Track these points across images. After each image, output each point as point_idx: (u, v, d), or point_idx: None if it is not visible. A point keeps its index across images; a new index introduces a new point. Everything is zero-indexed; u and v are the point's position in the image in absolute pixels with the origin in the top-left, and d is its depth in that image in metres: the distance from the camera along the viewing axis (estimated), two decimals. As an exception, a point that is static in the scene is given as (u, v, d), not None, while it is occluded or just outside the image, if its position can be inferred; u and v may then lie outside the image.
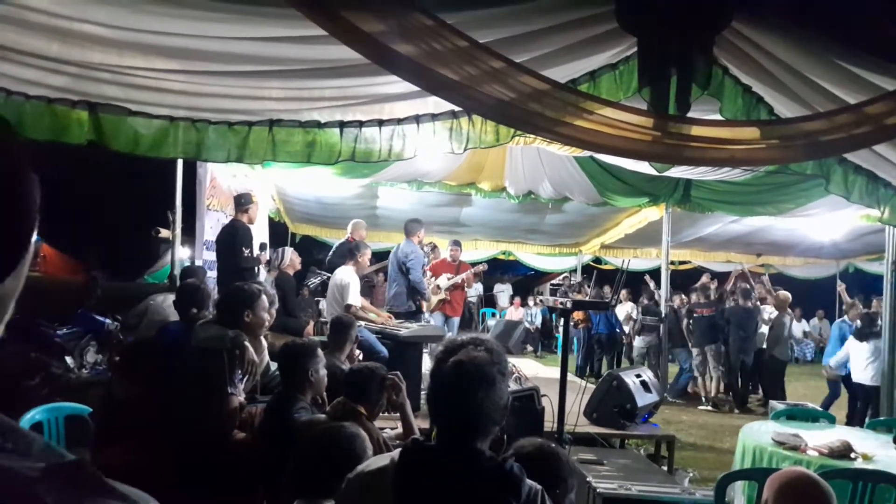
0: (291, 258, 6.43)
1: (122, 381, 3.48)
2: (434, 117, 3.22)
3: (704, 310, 9.48)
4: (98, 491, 0.49)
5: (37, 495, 0.45)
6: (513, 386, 4.02)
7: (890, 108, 2.40)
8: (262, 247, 7.12)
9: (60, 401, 3.65)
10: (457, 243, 8.07)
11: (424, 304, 7.00)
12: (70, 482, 0.47)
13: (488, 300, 16.52)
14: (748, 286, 10.15)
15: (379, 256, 9.13)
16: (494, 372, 1.55)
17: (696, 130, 2.62)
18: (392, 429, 3.23)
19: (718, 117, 3.02)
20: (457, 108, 3.16)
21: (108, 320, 6.50)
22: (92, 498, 0.48)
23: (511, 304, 15.49)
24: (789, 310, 9.73)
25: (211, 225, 6.25)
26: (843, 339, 8.07)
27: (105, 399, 3.57)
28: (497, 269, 17.93)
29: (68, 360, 5.86)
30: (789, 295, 9.61)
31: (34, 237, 0.56)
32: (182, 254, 6.23)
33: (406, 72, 2.32)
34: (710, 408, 8.99)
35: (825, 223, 8.65)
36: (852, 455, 3.96)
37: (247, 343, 3.08)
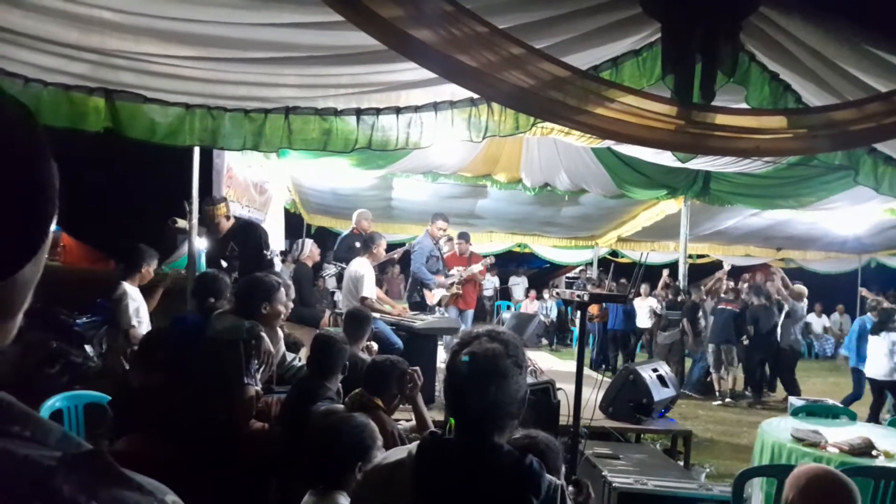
0: (311, 250, 6.43)
1: (139, 371, 3.50)
2: (452, 105, 3.17)
3: (728, 304, 9.36)
4: (114, 481, 0.49)
5: (54, 484, 0.45)
6: (528, 379, 3.99)
7: (924, 96, 2.32)
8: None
9: (80, 389, 3.68)
10: (464, 235, 7.98)
11: (429, 296, 6.94)
12: (86, 471, 0.48)
13: (503, 293, 16.47)
14: (759, 284, 10.02)
15: (392, 248, 9.12)
16: (509, 364, 1.51)
17: (721, 119, 2.55)
18: (407, 420, 3.22)
19: (744, 106, 2.94)
20: (475, 96, 3.11)
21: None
22: (108, 487, 0.48)
23: (526, 296, 15.43)
24: (805, 301, 9.62)
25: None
26: (861, 335, 8.02)
27: (123, 388, 3.59)
28: (512, 262, 17.87)
29: (88, 348, 5.92)
30: (804, 288, 9.49)
31: (53, 225, 0.55)
32: (199, 244, 6.24)
33: (424, 58, 2.28)
34: (726, 402, 8.90)
35: (847, 217, 8.50)
36: (874, 452, 3.89)
37: (263, 334, 3.07)
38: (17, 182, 0.50)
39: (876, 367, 7.24)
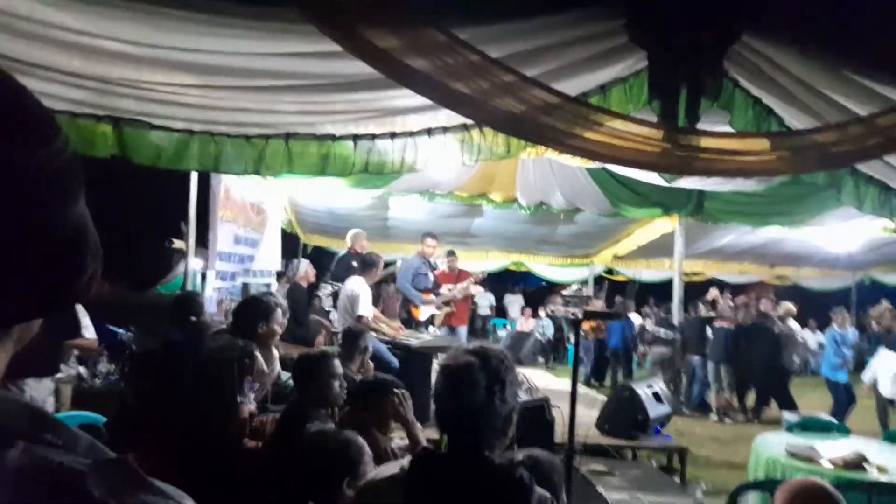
0: (306, 270, 6.48)
1: (133, 391, 3.54)
2: (446, 130, 3.26)
3: (725, 321, 9.45)
4: (139, 486, 0.52)
5: (86, 488, 0.49)
6: (523, 396, 4.02)
7: (901, 119, 2.40)
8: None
9: (74, 409, 3.70)
10: (452, 253, 8.04)
11: (415, 312, 7.00)
12: (115, 477, 0.51)
13: (499, 310, 16.49)
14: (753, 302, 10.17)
15: (388, 266, 9.17)
16: (483, 377, 1.52)
17: (706, 142, 2.63)
18: (402, 438, 3.24)
19: (729, 129, 3.03)
20: (469, 121, 3.19)
21: (121, 330, 6.56)
22: (134, 492, 0.51)
23: (522, 314, 15.46)
24: (792, 320, 9.80)
25: (224, 236, 6.31)
26: (836, 346, 8.32)
27: (117, 408, 3.62)
28: (508, 280, 17.91)
29: (81, 369, 5.92)
30: (792, 306, 9.64)
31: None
32: (195, 265, 6.28)
33: (419, 86, 2.36)
34: (722, 419, 8.93)
35: (840, 234, 8.61)
36: (867, 467, 3.92)
37: (257, 353, 3.12)
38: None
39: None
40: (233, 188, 6.45)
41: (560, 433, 4.00)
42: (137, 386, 3.48)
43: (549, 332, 14.83)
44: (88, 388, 5.51)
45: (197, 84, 2.78)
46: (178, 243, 6.60)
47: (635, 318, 11.25)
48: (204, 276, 6.18)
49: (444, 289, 7.50)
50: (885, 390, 7.48)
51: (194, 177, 5.76)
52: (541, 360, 14.19)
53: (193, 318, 3.65)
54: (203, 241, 6.45)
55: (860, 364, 9.47)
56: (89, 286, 0.58)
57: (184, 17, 2.27)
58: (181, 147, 3.13)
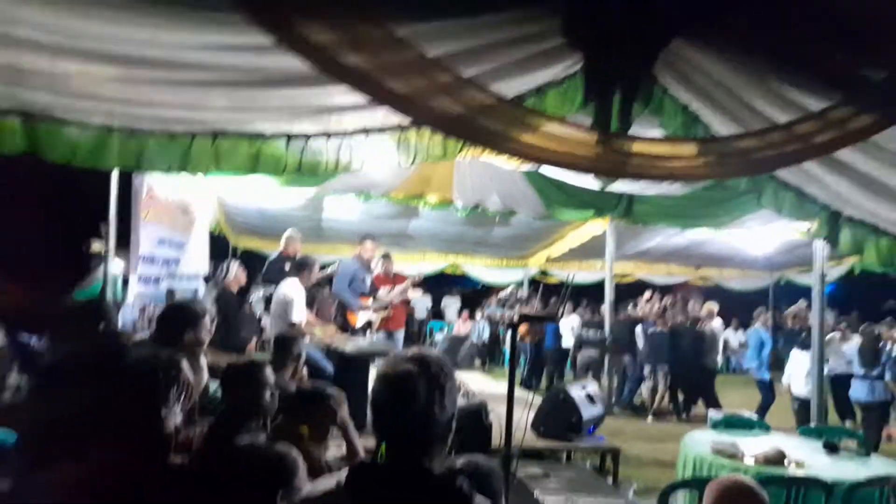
0: (237, 273, 6.25)
1: (44, 405, 3.30)
2: (382, 130, 3.20)
3: (658, 325, 9.81)
4: None
5: None
6: (460, 402, 4.00)
7: (817, 127, 2.52)
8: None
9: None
10: (387, 256, 7.98)
11: (351, 318, 6.90)
12: None
13: (436, 313, 16.49)
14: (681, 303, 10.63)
15: (323, 269, 9.00)
16: (423, 384, 1.50)
17: (638, 146, 2.68)
18: (338, 446, 3.16)
19: (659, 134, 3.11)
20: (405, 122, 3.15)
21: (32, 339, 6.14)
22: None
23: (459, 316, 15.52)
24: (719, 319, 10.29)
25: (147, 238, 6.01)
26: (761, 344, 8.80)
27: (29, 424, 3.37)
28: (445, 283, 17.97)
29: (-11, 383, 5.50)
30: (713, 306, 10.12)
31: None
32: (115, 268, 5.95)
33: (355, 83, 2.29)
34: (656, 418, 9.25)
35: (758, 236, 9.07)
36: (786, 462, 4.12)
37: (183, 363, 2.96)
38: None
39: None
40: (157, 187, 6.15)
41: (497, 437, 3.99)
42: (50, 399, 3.24)
43: (486, 334, 14.96)
44: (-5, 402, 5.12)
45: (115, 77, 2.61)
46: (96, 245, 6.24)
47: (574, 320, 11.47)
48: (126, 281, 5.86)
49: (382, 292, 7.42)
50: (799, 390, 7.88)
51: (115, 174, 5.46)
52: (478, 362, 14.29)
53: (101, 326, 3.45)
54: (124, 243, 6.12)
55: (777, 363, 10.02)
56: None
57: (99, 2, 2.12)
58: (99, 144, 2.93)
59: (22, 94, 2.70)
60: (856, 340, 8.26)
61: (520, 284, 14.71)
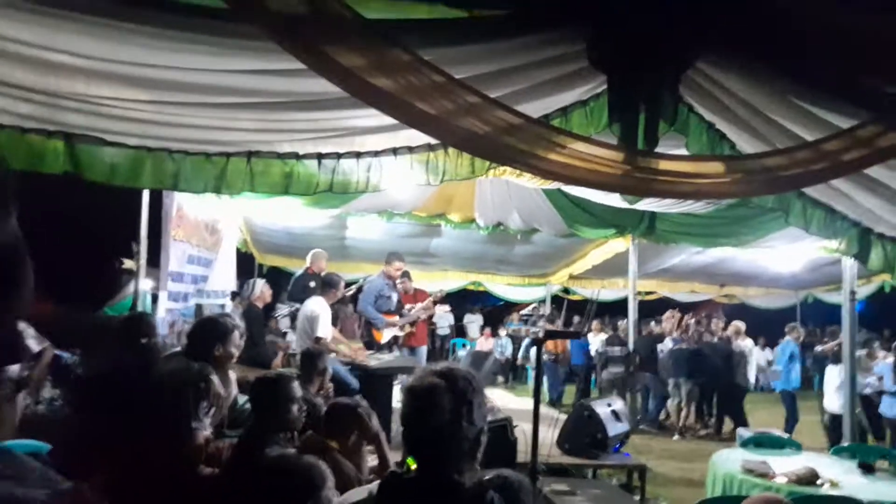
0: (262, 290, 6.35)
1: (80, 418, 3.38)
2: (411, 150, 3.26)
3: (683, 341, 9.72)
4: None
5: None
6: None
7: (845, 145, 2.51)
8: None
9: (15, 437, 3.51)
10: (406, 275, 7.99)
11: (377, 335, 6.91)
12: None
13: (459, 330, 16.47)
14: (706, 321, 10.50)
15: (348, 286, 9.07)
16: (449, 399, 1.52)
17: (664, 165, 2.69)
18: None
19: (685, 152, 3.13)
20: (433, 141, 3.20)
21: (65, 354, 6.27)
22: None
23: (481, 334, 15.47)
24: (747, 338, 10.12)
25: (177, 255, 6.14)
26: (791, 357, 8.60)
27: (63, 436, 3.44)
28: (468, 300, 17.95)
29: (20, 396, 5.63)
30: (740, 325, 9.98)
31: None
32: (146, 285, 6.08)
33: (384, 106, 2.35)
34: (683, 436, 9.12)
35: (784, 255, 8.95)
36: (819, 482, 4.04)
37: (213, 376, 3.02)
38: None
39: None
40: (186, 206, 6.30)
41: (523, 452, 3.99)
42: (84, 412, 3.32)
43: (508, 351, 14.88)
44: (31, 414, 5.24)
45: (149, 100, 2.70)
46: (128, 263, 6.38)
47: (599, 337, 11.39)
48: (155, 297, 5.99)
49: (405, 309, 7.45)
50: (831, 405, 7.74)
51: (146, 194, 5.60)
52: (500, 379, 14.21)
53: (144, 340, 3.54)
54: (154, 261, 6.25)
55: (806, 381, 9.82)
56: (24, 304, 0.55)
57: (132, 31, 2.21)
58: (136, 164, 3.03)
59: (62, 116, 2.80)
60: (889, 359, 8.08)
61: (542, 302, 14.65)
